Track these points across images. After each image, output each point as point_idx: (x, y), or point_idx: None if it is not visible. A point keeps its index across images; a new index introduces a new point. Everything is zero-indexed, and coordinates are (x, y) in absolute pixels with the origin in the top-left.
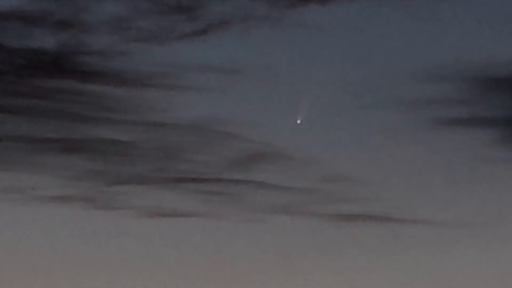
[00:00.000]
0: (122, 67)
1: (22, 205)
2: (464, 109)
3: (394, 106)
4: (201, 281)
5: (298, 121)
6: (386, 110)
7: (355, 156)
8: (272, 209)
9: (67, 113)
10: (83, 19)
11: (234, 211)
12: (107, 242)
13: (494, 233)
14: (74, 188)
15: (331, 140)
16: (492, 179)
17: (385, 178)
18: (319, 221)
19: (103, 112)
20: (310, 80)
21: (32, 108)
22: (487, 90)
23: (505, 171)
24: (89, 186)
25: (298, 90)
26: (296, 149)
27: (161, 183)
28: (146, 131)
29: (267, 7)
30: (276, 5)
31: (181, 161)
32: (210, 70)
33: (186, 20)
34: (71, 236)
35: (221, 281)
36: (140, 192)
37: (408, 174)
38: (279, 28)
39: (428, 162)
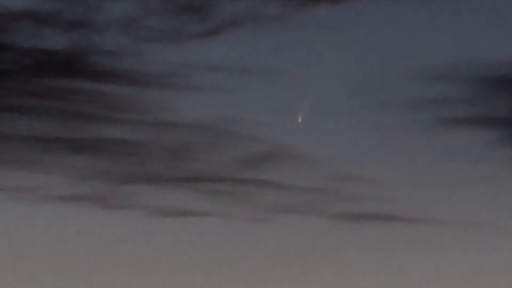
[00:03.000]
0: (132, 67)
1: (32, 204)
2: (466, 109)
3: (398, 106)
4: (210, 280)
5: (300, 120)
6: (391, 109)
7: (362, 156)
8: (281, 208)
9: (77, 112)
10: (93, 19)
11: (243, 211)
12: (116, 241)
13: (495, 233)
14: (84, 187)
15: (339, 140)
16: (495, 179)
17: (390, 177)
18: (328, 220)
19: (113, 112)
20: (319, 80)
21: (42, 108)
22: (489, 90)
23: (508, 171)
24: (99, 185)
25: (309, 90)
26: (305, 148)
27: (171, 183)
28: (156, 131)
29: (278, 7)
30: (287, 5)
31: (191, 160)
32: (221, 70)
33: (197, 20)
34: (80, 235)
35: (229, 280)
36: (149, 191)
37: (412, 174)
38: (290, 28)
39: (431, 161)
